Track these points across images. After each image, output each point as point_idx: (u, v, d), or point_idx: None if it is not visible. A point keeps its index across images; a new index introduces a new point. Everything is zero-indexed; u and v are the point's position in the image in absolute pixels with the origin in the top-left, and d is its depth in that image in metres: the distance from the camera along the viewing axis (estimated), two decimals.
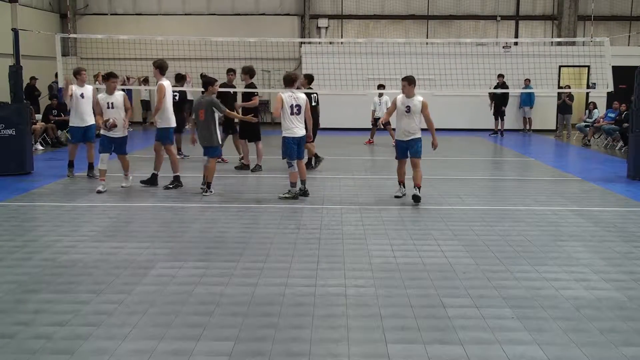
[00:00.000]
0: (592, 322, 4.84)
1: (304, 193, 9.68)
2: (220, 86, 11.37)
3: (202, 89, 10.21)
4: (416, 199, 9.16)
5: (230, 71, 13.08)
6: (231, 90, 12.80)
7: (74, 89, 11.11)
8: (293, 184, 9.61)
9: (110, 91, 10.20)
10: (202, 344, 4.40)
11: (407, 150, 9.37)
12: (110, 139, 10.13)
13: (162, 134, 10.42)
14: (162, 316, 4.89)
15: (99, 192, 9.76)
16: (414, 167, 9.23)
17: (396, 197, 9.58)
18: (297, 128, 9.52)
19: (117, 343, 4.39)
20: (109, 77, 10.33)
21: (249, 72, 12.18)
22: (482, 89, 19.07)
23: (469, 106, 21.19)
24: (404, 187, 9.70)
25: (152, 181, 10.46)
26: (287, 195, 9.56)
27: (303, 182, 9.73)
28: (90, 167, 11.47)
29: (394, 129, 15.74)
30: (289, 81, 9.63)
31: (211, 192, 9.78)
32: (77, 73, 11.32)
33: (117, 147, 10.30)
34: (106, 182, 10.08)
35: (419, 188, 9.21)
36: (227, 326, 4.71)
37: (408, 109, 9.14)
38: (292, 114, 9.47)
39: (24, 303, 5.17)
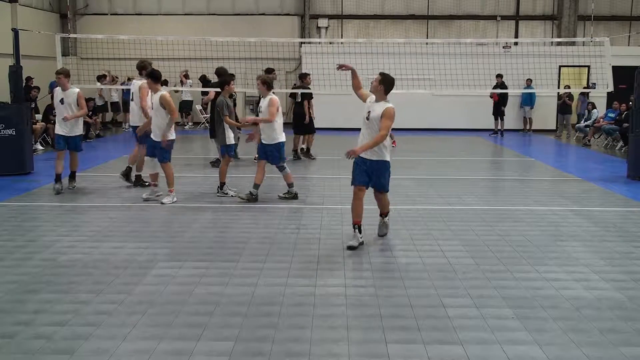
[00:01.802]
0: (592, 322, 4.84)
1: (256, 198, 9.34)
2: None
3: (219, 88, 10.03)
4: (382, 230, 7.32)
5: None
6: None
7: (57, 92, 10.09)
8: (292, 184, 9.58)
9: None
10: (202, 344, 4.40)
11: (368, 175, 6.93)
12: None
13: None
14: (162, 316, 4.90)
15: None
16: (378, 200, 7.25)
17: (350, 247, 6.77)
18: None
19: (117, 343, 4.39)
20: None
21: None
22: (482, 89, 19.06)
23: (469, 106, 21.17)
24: (360, 231, 6.94)
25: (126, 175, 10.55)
26: (287, 195, 9.54)
27: (258, 186, 9.36)
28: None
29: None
30: (271, 84, 9.50)
31: (225, 193, 9.69)
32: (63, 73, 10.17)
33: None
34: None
35: (386, 214, 7.34)
36: (227, 326, 4.71)
37: (368, 116, 6.85)
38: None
39: (24, 303, 5.17)
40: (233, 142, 9.87)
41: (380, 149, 6.81)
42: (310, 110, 14.09)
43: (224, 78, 10.04)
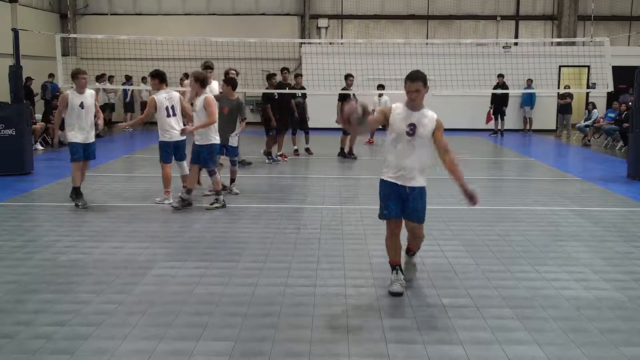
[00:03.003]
0: (592, 322, 4.84)
1: (189, 203, 8.83)
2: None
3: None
4: (408, 274, 5.73)
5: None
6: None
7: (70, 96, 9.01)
8: (219, 192, 8.90)
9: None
10: (202, 344, 4.40)
11: (403, 203, 5.38)
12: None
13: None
14: (162, 316, 4.89)
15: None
16: (413, 236, 5.64)
17: (395, 294, 5.36)
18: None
19: (117, 343, 4.39)
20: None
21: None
22: (482, 89, 19.05)
23: (469, 106, 21.17)
24: (403, 272, 5.59)
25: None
26: (216, 205, 8.80)
27: (190, 191, 8.91)
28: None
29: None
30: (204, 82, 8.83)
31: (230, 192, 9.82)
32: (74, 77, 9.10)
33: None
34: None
35: (414, 254, 5.85)
36: (227, 326, 4.71)
37: (412, 130, 5.24)
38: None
39: (24, 303, 5.17)
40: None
41: (424, 172, 5.42)
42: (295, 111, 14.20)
43: (234, 81, 10.14)
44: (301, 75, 15.24)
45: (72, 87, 9.09)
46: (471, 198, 5.15)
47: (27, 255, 6.49)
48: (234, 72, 11.27)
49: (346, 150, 14.54)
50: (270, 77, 13.82)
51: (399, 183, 5.33)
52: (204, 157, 8.74)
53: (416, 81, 5.25)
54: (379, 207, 5.48)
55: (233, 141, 9.82)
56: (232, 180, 9.95)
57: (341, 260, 6.40)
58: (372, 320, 4.85)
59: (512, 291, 5.53)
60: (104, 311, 4.97)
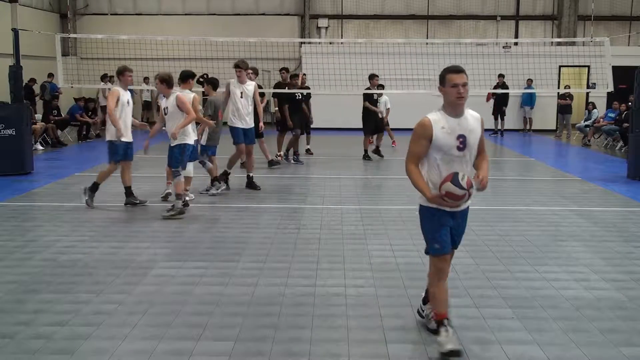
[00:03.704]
0: (592, 322, 4.84)
1: (184, 205, 8.43)
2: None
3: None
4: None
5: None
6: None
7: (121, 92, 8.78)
8: (179, 196, 8.34)
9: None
10: (202, 344, 4.39)
11: (452, 230, 4.40)
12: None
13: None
14: (162, 316, 4.89)
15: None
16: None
17: (453, 353, 4.17)
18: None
19: (117, 343, 4.39)
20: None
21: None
22: (482, 89, 19.05)
23: (469, 106, 20.96)
24: (451, 324, 4.34)
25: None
26: (172, 212, 8.21)
27: (180, 196, 8.41)
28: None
29: (392, 129, 15.85)
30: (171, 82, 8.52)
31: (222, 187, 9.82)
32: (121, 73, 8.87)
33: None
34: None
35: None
36: (227, 326, 4.71)
37: (463, 143, 4.26)
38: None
39: (24, 303, 5.17)
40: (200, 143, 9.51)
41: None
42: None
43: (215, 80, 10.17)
44: (304, 75, 15.15)
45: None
46: (483, 183, 4.34)
47: (27, 255, 6.49)
48: (250, 71, 11.23)
49: (372, 150, 14.51)
50: (292, 77, 13.80)
51: (447, 209, 4.30)
52: (175, 156, 8.36)
53: (462, 73, 4.23)
54: (425, 240, 4.42)
55: (202, 139, 9.65)
56: (215, 179, 9.75)
57: (341, 260, 6.39)
58: (372, 320, 4.85)
59: (512, 291, 5.53)
60: (104, 311, 4.97)
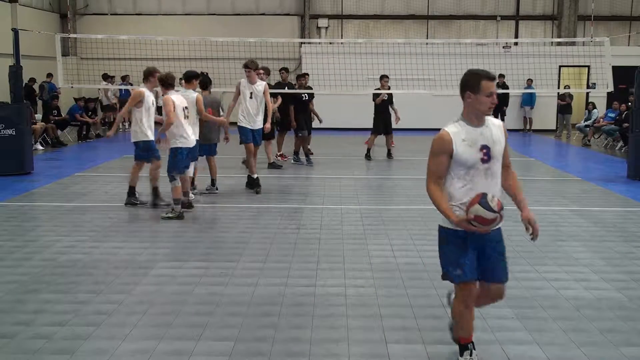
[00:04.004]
0: (592, 322, 4.84)
1: (186, 208, 8.35)
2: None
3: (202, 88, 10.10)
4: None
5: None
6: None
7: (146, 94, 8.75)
8: (177, 200, 8.23)
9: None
10: (202, 344, 4.40)
11: (478, 256, 3.91)
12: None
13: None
14: (162, 316, 4.90)
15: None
16: (491, 301, 4.15)
17: None
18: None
19: (117, 343, 4.39)
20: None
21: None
22: None
23: None
24: (474, 348, 4.03)
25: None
26: (171, 215, 8.16)
27: (178, 200, 8.26)
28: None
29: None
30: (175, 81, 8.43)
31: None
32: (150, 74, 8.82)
33: None
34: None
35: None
36: (227, 326, 4.71)
37: (487, 154, 3.85)
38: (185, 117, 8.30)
39: (24, 303, 5.17)
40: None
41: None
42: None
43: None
44: (307, 75, 15.03)
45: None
46: (535, 229, 3.91)
47: (27, 255, 6.49)
48: (261, 71, 11.21)
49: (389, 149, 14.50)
50: (299, 77, 13.70)
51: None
52: (169, 161, 8.27)
53: (495, 80, 3.97)
54: (440, 264, 3.99)
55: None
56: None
57: (341, 260, 6.40)
58: (372, 320, 4.85)
59: (512, 291, 5.51)
60: (104, 311, 4.97)
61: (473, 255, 3.87)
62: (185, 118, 8.29)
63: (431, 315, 4.97)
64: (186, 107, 8.37)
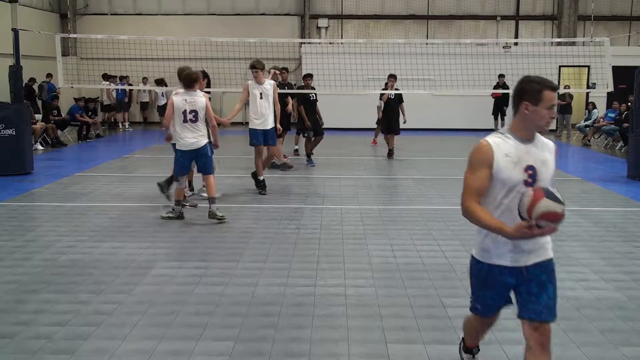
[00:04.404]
0: (592, 322, 4.84)
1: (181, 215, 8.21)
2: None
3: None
4: None
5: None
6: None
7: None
8: (178, 202, 8.24)
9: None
10: (202, 344, 4.40)
11: (517, 293, 3.59)
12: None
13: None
14: (162, 316, 4.89)
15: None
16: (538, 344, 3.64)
17: None
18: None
19: (117, 343, 4.39)
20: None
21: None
22: (482, 89, 19.06)
23: (469, 106, 21.17)
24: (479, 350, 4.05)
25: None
26: (171, 215, 8.17)
27: (179, 202, 8.27)
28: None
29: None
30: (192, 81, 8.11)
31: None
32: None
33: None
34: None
35: None
36: (227, 326, 4.71)
37: (532, 177, 3.36)
38: (185, 121, 7.98)
39: (24, 303, 5.17)
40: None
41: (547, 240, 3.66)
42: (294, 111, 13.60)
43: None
44: (311, 75, 14.85)
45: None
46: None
47: (27, 255, 6.49)
48: (277, 72, 11.06)
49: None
50: (306, 77, 13.55)
51: (508, 264, 3.39)
52: (174, 162, 8.28)
53: (557, 90, 3.31)
54: (470, 293, 3.70)
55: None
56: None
57: (341, 260, 6.40)
58: (372, 320, 4.85)
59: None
60: (104, 311, 4.97)
61: (502, 291, 3.51)
62: (185, 122, 7.99)
63: (431, 315, 4.97)
64: (192, 112, 8.00)
